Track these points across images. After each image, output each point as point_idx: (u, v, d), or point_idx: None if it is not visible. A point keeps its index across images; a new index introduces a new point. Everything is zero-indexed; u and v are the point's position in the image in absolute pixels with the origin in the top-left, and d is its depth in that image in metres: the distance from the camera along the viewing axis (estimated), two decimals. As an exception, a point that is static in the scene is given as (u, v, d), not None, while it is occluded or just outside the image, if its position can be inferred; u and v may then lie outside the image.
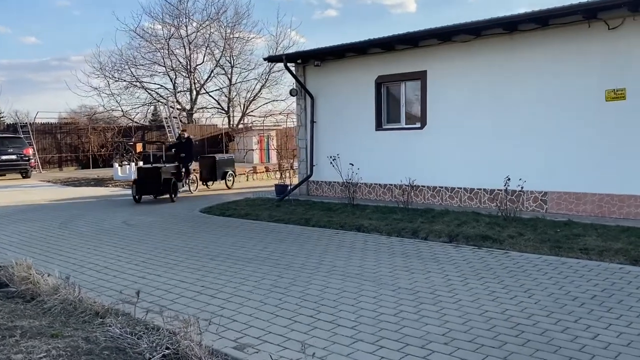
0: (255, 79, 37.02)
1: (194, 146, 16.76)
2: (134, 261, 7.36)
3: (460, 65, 11.22)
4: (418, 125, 12.07)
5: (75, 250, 8.19)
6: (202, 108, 38.10)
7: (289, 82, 36.54)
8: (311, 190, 14.14)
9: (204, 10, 45.34)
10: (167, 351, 3.89)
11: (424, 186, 11.86)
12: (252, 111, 38.02)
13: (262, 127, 32.76)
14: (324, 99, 13.76)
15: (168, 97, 35.29)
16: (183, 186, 15.44)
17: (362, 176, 12.36)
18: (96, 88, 33.55)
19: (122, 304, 5.08)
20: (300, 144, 14.42)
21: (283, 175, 15.68)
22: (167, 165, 15.05)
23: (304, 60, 14.02)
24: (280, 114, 34.79)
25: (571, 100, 9.80)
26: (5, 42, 66.71)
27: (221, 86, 37.87)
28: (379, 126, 12.71)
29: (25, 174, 23.24)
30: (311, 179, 13.98)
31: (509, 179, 9.60)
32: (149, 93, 35.43)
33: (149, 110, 37.27)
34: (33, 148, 25.55)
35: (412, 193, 11.69)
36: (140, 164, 18.93)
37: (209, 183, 17.28)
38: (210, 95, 38.08)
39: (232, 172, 17.66)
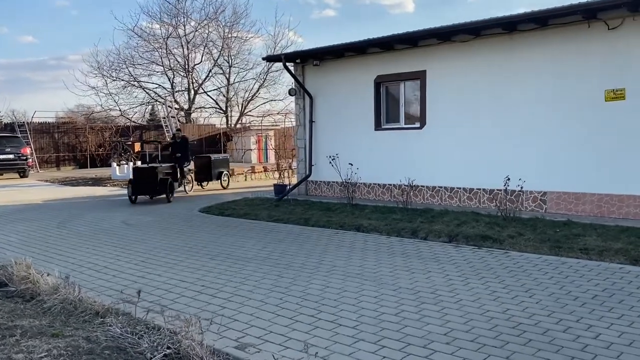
0: (254, 78, 36.99)
1: (192, 146, 16.71)
2: (134, 261, 7.33)
3: (460, 65, 11.22)
4: (417, 125, 12.07)
5: (74, 250, 8.16)
6: (200, 108, 38.05)
7: (287, 81, 36.58)
8: (310, 190, 14.13)
9: (202, 10, 45.38)
10: (168, 351, 3.88)
11: (423, 186, 11.85)
12: (250, 111, 38.02)
13: (260, 127, 32.74)
14: (322, 98, 13.75)
15: (166, 96, 35.22)
16: (179, 186, 15.37)
17: (361, 176, 12.35)
18: (94, 87, 33.45)
19: (122, 304, 5.06)
20: (299, 144, 14.41)
21: (282, 175, 15.66)
22: (163, 165, 14.95)
23: (303, 60, 14.01)
24: (278, 113, 34.77)
25: (571, 100, 9.81)
26: (3, 41, 66.45)
27: (219, 86, 37.84)
28: (378, 126, 12.71)
29: (23, 174, 23.18)
30: (310, 178, 13.97)
31: (508, 179, 9.60)
32: (147, 92, 35.35)
33: (146, 110, 37.19)
34: (30, 147, 25.48)
35: (411, 193, 11.69)
36: (139, 163, 18.86)
37: (204, 183, 17.17)
38: (208, 95, 38.04)
39: (227, 173, 17.60)
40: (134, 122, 34.13)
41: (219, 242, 8.50)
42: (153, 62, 34.56)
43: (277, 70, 35.24)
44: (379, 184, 12.68)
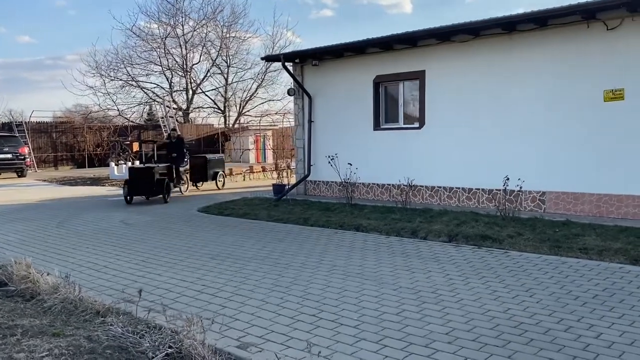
0: (252, 78, 37.04)
1: (190, 146, 16.64)
2: (134, 260, 7.32)
3: (459, 65, 11.22)
4: (416, 125, 12.07)
5: (74, 250, 8.14)
6: (198, 108, 38.09)
7: (285, 81, 36.65)
8: (309, 190, 14.12)
9: (201, 10, 45.28)
10: (169, 350, 3.87)
11: (422, 186, 11.86)
12: (248, 111, 38.05)
13: (258, 127, 32.73)
14: (321, 98, 13.75)
15: (164, 96, 35.21)
16: (175, 186, 15.31)
17: (360, 176, 12.36)
18: (92, 87, 33.45)
19: (123, 303, 5.05)
20: (298, 144, 14.40)
21: (280, 175, 15.64)
22: (160, 165, 14.83)
23: (302, 60, 14.00)
24: (276, 113, 34.78)
25: (570, 101, 9.82)
26: (0, 41, 66.30)
27: (217, 86, 37.87)
28: (377, 126, 12.71)
29: (21, 173, 23.13)
30: (309, 178, 13.96)
31: (507, 179, 9.61)
32: (145, 92, 35.34)
33: (144, 110, 37.17)
34: (28, 147, 25.42)
35: (411, 193, 11.70)
36: (137, 163, 18.82)
37: (199, 184, 17.05)
38: (206, 95, 38.07)
39: (222, 173, 17.51)
40: (132, 121, 34.08)
41: (219, 241, 8.49)
42: (151, 61, 34.58)
43: (275, 70, 35.31)
44: (378, 184, 12.68)
